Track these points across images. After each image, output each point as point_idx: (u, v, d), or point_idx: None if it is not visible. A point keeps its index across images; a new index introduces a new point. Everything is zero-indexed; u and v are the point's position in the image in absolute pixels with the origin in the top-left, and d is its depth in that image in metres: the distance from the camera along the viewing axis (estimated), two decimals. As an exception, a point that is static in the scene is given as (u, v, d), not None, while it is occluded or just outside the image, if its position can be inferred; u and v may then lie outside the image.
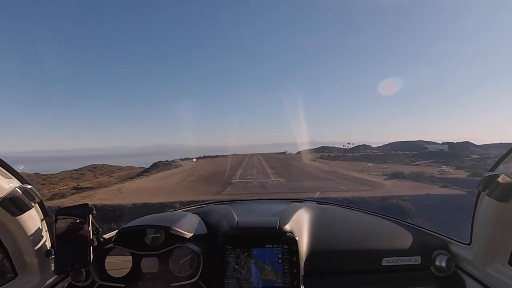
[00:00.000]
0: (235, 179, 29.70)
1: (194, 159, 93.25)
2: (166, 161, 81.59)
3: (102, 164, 56.45)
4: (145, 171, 48.37)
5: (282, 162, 57.32)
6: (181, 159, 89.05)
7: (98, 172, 48.33)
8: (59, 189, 30.15)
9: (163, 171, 46.03)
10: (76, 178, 40.03)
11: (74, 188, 30.70)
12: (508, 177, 0.88)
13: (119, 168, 55.72)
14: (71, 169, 48.26)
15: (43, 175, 37.50)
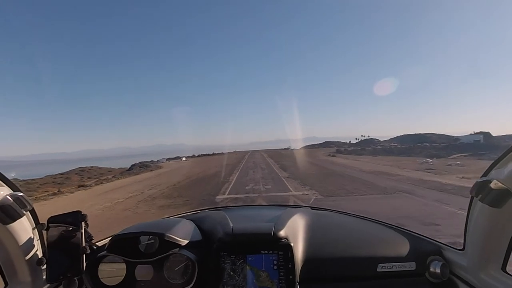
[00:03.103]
0: (223, 194, 15.69)
1: (184, 158, 79.51)
2: (152, 161, 68.15)
3: (91, 167, 51.35)
4: (109, 178, 35.82)
5: (293, 160, 42.99)
6: (168, 159, 75.45)
7: (86, 176, 42.25)
8: (36, 197, 22.97)
9: (129, 177, 32.56)
10: (59, 183, 33.09)
11: (54, 194, 24.22)
12: (501, 182, 0.86)
13: (110, 170, 49.15)
14: (56, 173, 44.21)
15: (21, 180, 31.61)
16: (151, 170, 41.50)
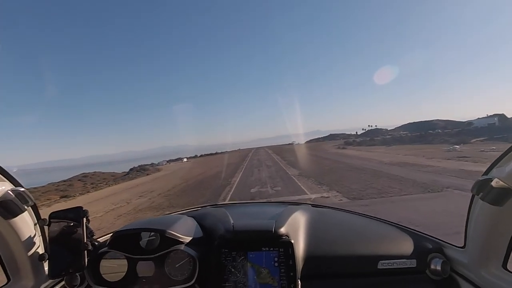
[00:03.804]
0: (224, 201, 12.81)
1: (185, 159, 76.80)
2: (151, 164, 65.64)
3: (94, 172, 50.80)
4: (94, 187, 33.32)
5: (300, 155, 40.00)
6: (168, 161, 73.15)
7: (89, 182, 41.86)
8: (39, 205, 18.05)
9: (122, 183, 30.17)
10: (62, 190, 32.36)
11: (56, 202, 22.15)
12: (502, 181, 0.86)
13: (113, 175, 48.73)
14: (58, 181, 43.75)
15: (24, 189, 26.62)
16: (147, 174, 39.13)
